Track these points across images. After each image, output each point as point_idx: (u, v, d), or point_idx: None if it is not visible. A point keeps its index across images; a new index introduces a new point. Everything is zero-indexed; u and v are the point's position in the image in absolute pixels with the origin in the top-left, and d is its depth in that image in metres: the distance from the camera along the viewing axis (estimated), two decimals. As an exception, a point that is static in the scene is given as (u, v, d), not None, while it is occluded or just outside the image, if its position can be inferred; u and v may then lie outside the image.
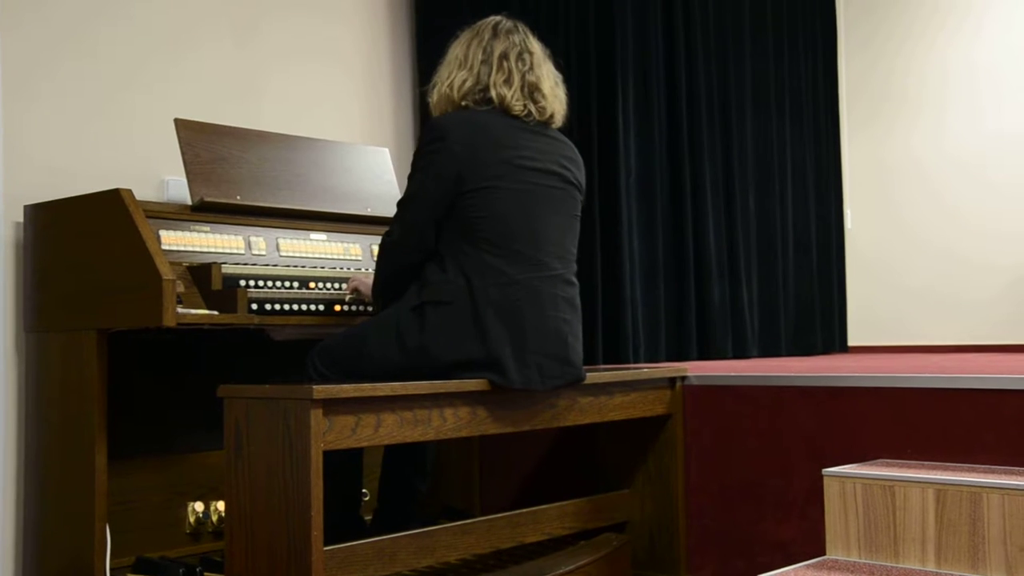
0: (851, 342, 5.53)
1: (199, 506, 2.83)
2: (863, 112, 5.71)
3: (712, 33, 4.64)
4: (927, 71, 5.49)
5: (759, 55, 4.96)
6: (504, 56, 2.48)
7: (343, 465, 2.54)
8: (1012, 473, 2.24)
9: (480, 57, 2.48)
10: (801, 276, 5.14)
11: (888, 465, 2.42)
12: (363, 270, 2.94)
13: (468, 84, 2.47)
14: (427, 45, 3.80)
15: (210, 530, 2.85)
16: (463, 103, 2.47)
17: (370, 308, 2.75)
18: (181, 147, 2.78)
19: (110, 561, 2.50)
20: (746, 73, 4.85)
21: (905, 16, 5.59)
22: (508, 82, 2.46)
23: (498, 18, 2.57)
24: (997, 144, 5.26)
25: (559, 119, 2.57)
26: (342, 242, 3.04)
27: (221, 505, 2.83)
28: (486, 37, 2.51)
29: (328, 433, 2.07)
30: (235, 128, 2.95)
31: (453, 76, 2.49)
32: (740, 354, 4.55)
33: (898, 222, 5.56)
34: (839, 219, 5.52)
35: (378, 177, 3.26)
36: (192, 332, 2.73)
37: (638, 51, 4.19)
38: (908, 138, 5.54)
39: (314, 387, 2.04)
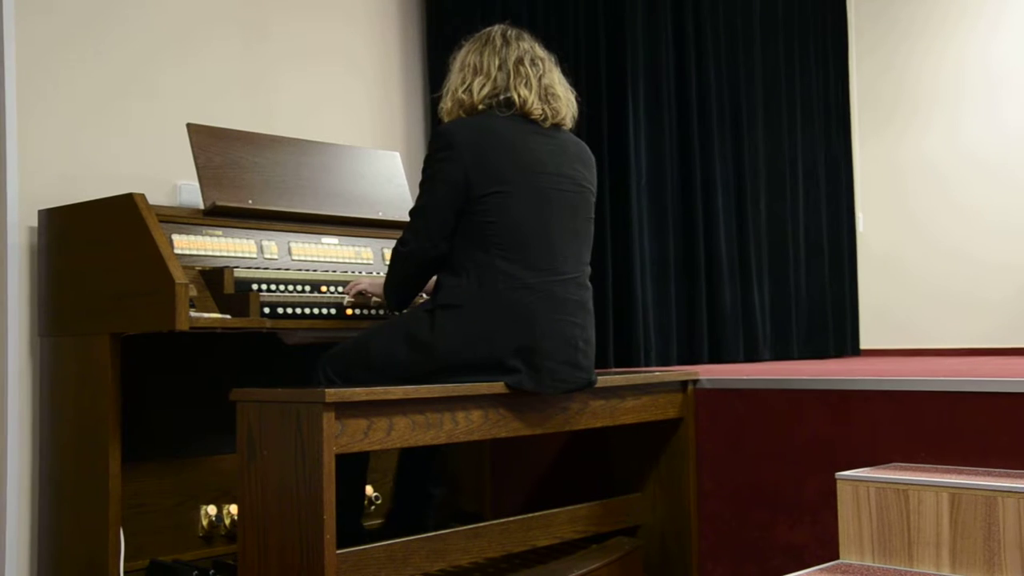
0: (863, 345, 5.51)
1: (212, 509, 2.84)
2: (876, 114, 5.70)
3: (722, 36, 4.64)
4: (941, 72, 5.48)
5: (769, 57, 4.96)
6: (519, 61, 2.50)
7: (348, 469, 2.55)
8: (1027, 477, 2.23)
9: (496, 63, 2.50)
10: (813, 279, 5.13)
11: (902, 469, 2.41)
12: (374, 274, 2.94)
13: (487, 89, 2.48)
14: (438, 51, 3.80)
15: (223, 533, 2.85)
16: (481, 107, 2.48)
17: (375, 312, 2.76)
18: (194, 152, 2.79)
19: (124, 564, 2.51)
20: (756, 75, 4.84)
21: (918, 18, 5.58)
22: (527, 86, 2.48)
23: (503, 26, 2.60)
24: (1014, 144, 5.23)
25: (570, 121, 2.60)
26: (354, 246, 3.05)
27: (234, 508, 2.84)
28: (498, 44, 2.53)
29: (340, 437, 2.07)
30: (247, 133, 2.96)
31: (469, 82, 2.50)
32: (751, 357, 4.54)
33: (911, 224, 5.54)
34: (851, 222, 5.50)
35: (389, 181, 3.26)
36: (205, 336, 2.74)
37: (648, 54, 4.19)
38: (922, 139, 5.52)
39: (326, 391, 2.04)
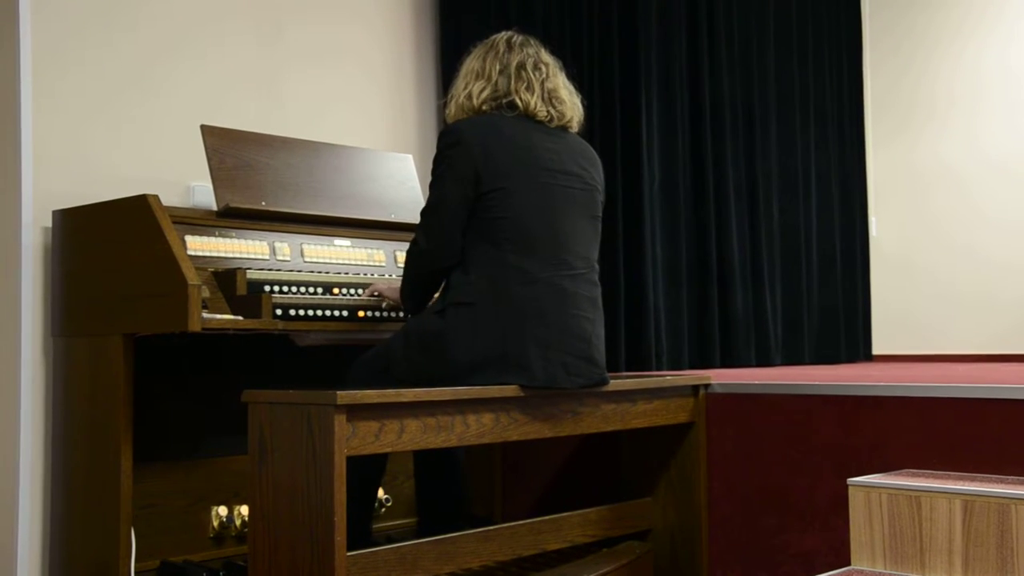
0: (875, 350, 5.49)
1: (223, 510, 2.84)
2: (891, 119, 5.67)
3: (736, 41, 4.63)
4: (958, 77, 5.44)
5: (783, 63, 4.94)
6: (521, 66, 2.54)
7: (364, 471, 2.56)
8: (1041, 484, 2.22)
9: (498, 68, 2.54)
10: (825, 284, 5.11)
11: (914, 475, 2.40)
12: (387, 276, 2.95)
13: (487, 92, 2.52)
14: (452, 53, 3.80)
15: (233, 534, 2.86)
16: (485, 108, 2.51)
17: (392, 314, 2.76)
18: (207, 153, 2.80)
19: (135, 565, 2.51)
20: (770, 81, 4.83)
21: (934, 24, 5.55)
22: (529, 89, 2.52)
23: (510, 33, 2.63)
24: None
25: (576, 125, 2.63)
26: (366, 248, 3.05)
27: (245, 509, 2.84)
28: (501, 50, 2.57)
29: (352, 439, 2.07)
30: (260, 135, 2.97)
31: (471, 87, 2.54)
32: (763, 362, 4.53)
33: (926, 228, 5.51)
34: (863, 226, 5.48)
35: (401, 184, 3.27)
36: (217, 337, 2.75)
37: (662, 58, 4.19)
38: (938, 144, 5.49)
39: (338, 392, 2.04)
